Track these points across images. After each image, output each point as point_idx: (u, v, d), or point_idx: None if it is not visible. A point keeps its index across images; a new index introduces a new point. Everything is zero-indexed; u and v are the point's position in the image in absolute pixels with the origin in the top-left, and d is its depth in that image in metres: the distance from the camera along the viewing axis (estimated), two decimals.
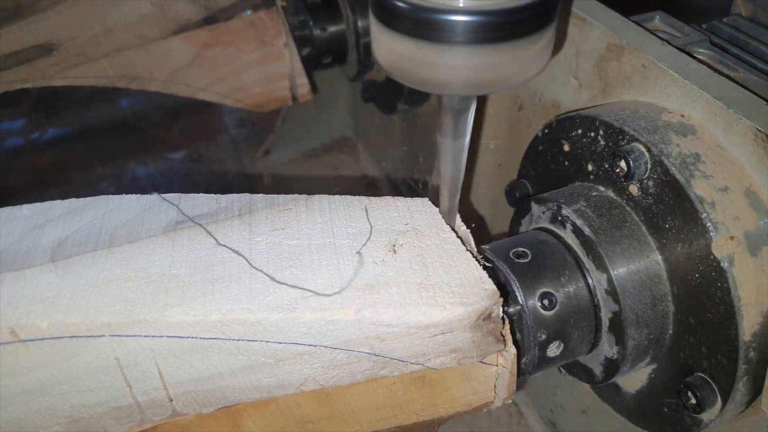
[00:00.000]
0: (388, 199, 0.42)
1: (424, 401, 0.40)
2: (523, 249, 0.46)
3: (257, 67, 0.80)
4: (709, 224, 0.40)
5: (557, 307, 0.44)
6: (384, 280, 0.36)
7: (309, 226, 0.39)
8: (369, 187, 1.17)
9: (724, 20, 0.59)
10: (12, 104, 1.16)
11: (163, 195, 0.40)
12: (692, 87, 0.45)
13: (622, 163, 0.44)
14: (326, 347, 0.35)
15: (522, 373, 0.44)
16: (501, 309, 0.37)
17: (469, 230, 0.42)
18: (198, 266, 0.36)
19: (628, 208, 0.46)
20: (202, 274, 0.36)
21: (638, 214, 0.45)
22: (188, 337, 0.34)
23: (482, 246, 0.46)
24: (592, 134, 0.48)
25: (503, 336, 0.38)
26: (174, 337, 0.34)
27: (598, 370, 0.48)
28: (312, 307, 0.34)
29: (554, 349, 0.45)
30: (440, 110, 0.37)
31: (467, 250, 0.39)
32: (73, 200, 0.40)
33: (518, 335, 0.43)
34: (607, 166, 0.47)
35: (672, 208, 0.43)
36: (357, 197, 0.42)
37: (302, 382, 0.36)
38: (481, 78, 0.33)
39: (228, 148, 1.23)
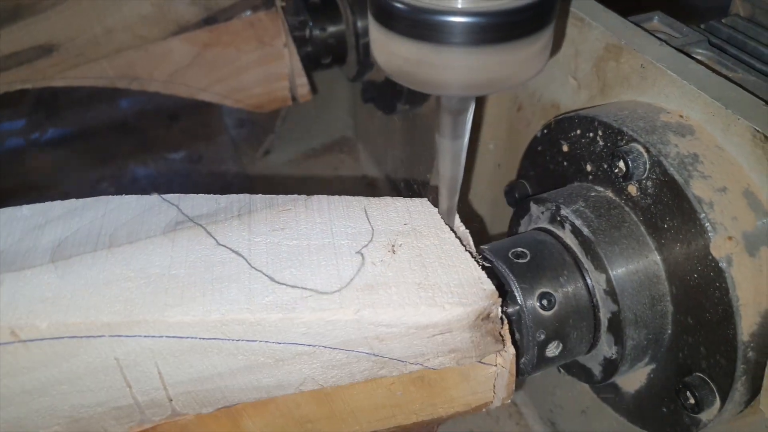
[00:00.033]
0: (388, 199, 0.42)
1: (423, 401, 0.40)
2: (522, 249, 0.46)
3: (257, 67, 0.80)
4: (707, 224, 0.41)
5: (556, 307, 0.44)
6: (383, 280, 0.36)
7: (308, 227, 0.39)
8: (369, 187, 1.17)
9: (723, 21, 0.59)
10: (12, 105, 1.16)
11: (163, 195, 0.41)
12: (690, 87, 0.45)
13: (621, 164, 0.45)
14: (325, 347, 0.35)
15: (521, 373, 0.44)
16: (500, 309, 0.37)
17: (468, 230, 0.42)
18: (197, 266, 0.36)
19: (626, 209, 0.46)
20: (202, 275, 0.36)
21: (637, 215, 0.46)
22: (188, 338, 0.34)
23: (481, 246, 0.46)
24: (591, 135, 0.48)
25: (502, 336, 0.38)
26: (173, 337, 0.34)
27: (597, 370, 0.48)
28: (311, 308, 0.34)
29: (553, 349, 0.45)
30: (439, 111, 0.37)
31: (466, 250, 0.39)
32: (73, 201, 0.40)
33: (517, 335, 0.43)
34: (605, 166, 0.47)
35: (670, 209, 0.43)
36: (356, 198, 0.42)
37: (301, 382, 0.37)
38: (479, 79, 0.33)
39: (228, 148, 1.23)
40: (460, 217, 0.43)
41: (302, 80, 0.83)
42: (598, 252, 0.44)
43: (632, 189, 0.45)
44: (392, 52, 0.33)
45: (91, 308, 0.33)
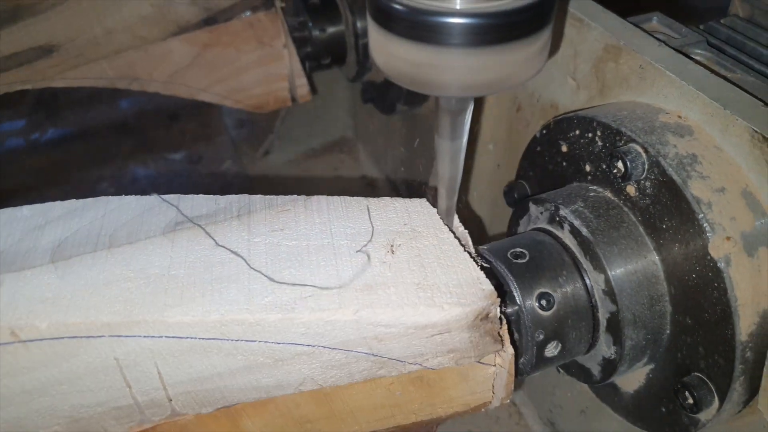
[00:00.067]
0: (387, 199, 0.42)
1: (422, 401, 0.40)
2: (521, 249, 0.46)
3: (257, 68, 0.81)
4: (705, 225, 0.41)
5: (555, 308, 0.44)
6: (382, 280, 0.36)
7: (307, 227, 0.39)
8: (368, 188, 1.18)
9: (722, 21, 0.59)
10: (12, 105, 1.17)
11: (163, 196, 0.41)
12: (689, 88, 0.45)
13: (620, 164, 0.45)
14: (324, 347, 0.35)
15: (520, 373, 0.44)
16: (498, 309, 0.37)
17: (467, 231, 0.42)
18: (197, 267, 0.36)
19: (625, 209, 0.46)
20: (201, 275, 0.36)
21: (636, 215, 0.46)
22: (187, 338, 0.34)
23: (480, 246, 0.46)
24: (590, 135, 0.48)
25: (501, 336, 0.38)
26: (173, 337, 0.34)
27: (596, 370, 0.48)
28: (310, 308, 0.34)
29: (552, 349, 0.45)
30: (437, 111, 0.37)
31: (465, 250, 0.39)
32: (72, 201, 0.40)
33: (516, 335, 0.43)
34: (604, 166, 0.47)
35: (669, 209, 0.43)
36: (355, 198, 0.42)
37: (301, 382, 0.37)
38: (477, 80, 0.33)
39: (228, 148, 1.23)
40: (460, 218, 0.43)
41: (302, 81, 0.83)
42: (597, 252, 0.44)
43: (631, 189, 0.45)
44: (391, 54, 0.33)
45: (91, 308, 0.33)
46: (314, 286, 0.36)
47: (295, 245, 0.38)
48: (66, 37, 0.71)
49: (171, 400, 0.36)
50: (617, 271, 0.44)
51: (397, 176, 1.10)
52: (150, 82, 0.76)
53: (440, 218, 0.41)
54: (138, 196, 0.41)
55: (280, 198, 0.42)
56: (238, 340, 0.34)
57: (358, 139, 1.23)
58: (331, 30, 0.86)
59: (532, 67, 0.34)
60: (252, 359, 0.35)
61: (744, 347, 0.40)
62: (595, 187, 0.49)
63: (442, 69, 0.32)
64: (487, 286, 0.36)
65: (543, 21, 0.33)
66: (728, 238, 0.40)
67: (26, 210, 0.39)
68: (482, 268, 0.38)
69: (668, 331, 0.45)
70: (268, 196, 0.42)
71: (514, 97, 0.66)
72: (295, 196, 0.42)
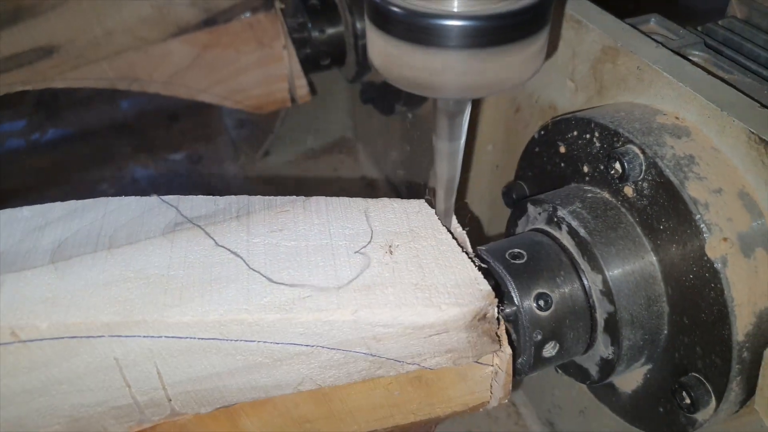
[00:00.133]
0: (385, 200, 0.42)
1: (420, 401, 0.40)
2: (519, 250, 0.46)
3: (256, 68, 0.81)
4: (702, 225, 0.41)
5: (553, 308, 0.44)
6: (380, 280, 0.37)
7: (306, 228, 0.40)
8: (368, 188, 1.18)
9: (719, 23, 0.59)
10: (12, 106, 1.17)
11: (162, 197, 0.41)
12: (686, 89, 0.46)
13: (617, 165, 0.45)
14: (323, 347, 0.35)
15: (518, 374, 0.45)
16: (496, 309, 0.37)
17: (465, 231, 0.42)
18: (196, 267, 0.36)
19: (623, 210, 0.46)
20: (201, 275, 0.36)
21: (633, 216, 0.46)
22: (186, 338, 0.34)
23: (479, 247, 0.47)
24: (588, 136, 0.48)
25: (498, 336, 0.38)
26: (172, 337, 0.34)
27: (593, 371, 0.48)
28: (309, 308, 0.35)
29: (550, 350, 0.45)
30: (436, 113, 0.37)
31: (463, 251, 0.39)
32: (72, 202, 0.40)
33: (514, 336, 0.44)
34: (602, 167, 0.47)
35: (666, 210, 0.43)
36: (354, 199, 0.42)
37: (299, 382, 0.37)
38: (474, 82, 0.33)
39: (227, 149, 1.23)
40: (458, 218, 0.43)
41: (301, 81, 0.83)
42: (595, 253, 0.45)
43: (628, 190, 0.46)
44: (388, 55, 0.34)
45: (90, 308, 0.34)
46: (313, 287, 0.36)
47: (293, 246, 0.38)
48: (66, 38, 0.72)
49: (170, 399, 0.36)
50: (615, 272, 0.44)
51: (396, 177, 1.11)
52: (150, 82, 0.76)
53: (438, 219, 0.41)
54: (138, 197, 0.41)
55: (279, 199, 0.42)
56: (237, 340, 0.34)
57: (358, 140, 1.23)
58: (330, 31, 0.86)
59: (530, 69, 0.35)
60: (251, 359, 0.35)
61: (741, 347, 0.40)
62: (592, 188, 0.49)
63: (440, 71, 0.32)
64: (485, 286, 0.37)
65: (540, 23, 0.33)
66: (725, 239, 0.41)
67: (26, 211, 0.39)
68: (480, 268, 0.38)
69: (666, 332, 0.45)
70: (267, 197, 0.42)
71: (513, 98, 0.67)
72: (294, 196, 0.42)
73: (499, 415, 0.84)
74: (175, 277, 0.36)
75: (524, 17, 0.32)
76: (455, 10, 0.32)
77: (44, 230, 0.38)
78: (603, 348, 0.46)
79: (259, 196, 0.42)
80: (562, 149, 0.51)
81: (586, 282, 0.45)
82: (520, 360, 0.44)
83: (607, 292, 0.44)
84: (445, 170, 0.40)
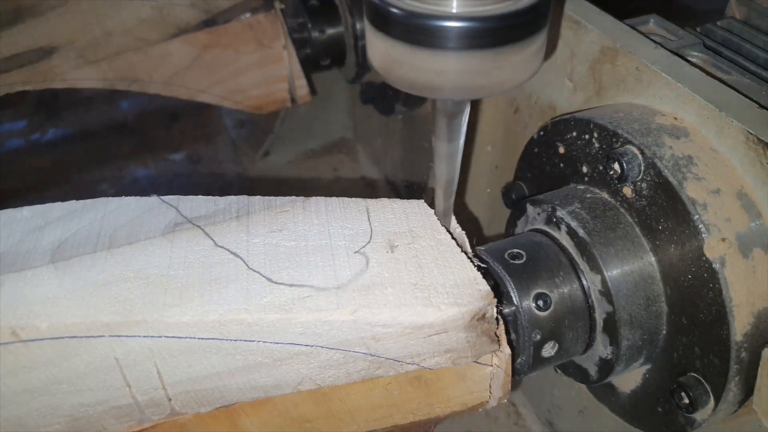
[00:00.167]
0: (385, 201, 0.42)
1: (420, 401, 0.40)
2: (518, 250, 0.46)
3: (256, 69, 0.81)
4: (701, 226, 0.41)
5: (552, 308, 0.44)
6: (379, 280, 0.37)
7: (306, 228, 0.40)
8: (368, 188, 1.18)
9: (718, 23, 0.59)
10: (12, 106, 1.17)
11: (162, 197, 0.41)
12: (685, 90, 0.46)
13: (616, 166, 0.45)
14: (322, 347, 0.36)
15: (517, 373, 0.45)
16: (495, 309, 0.37)
17: (464, 232, 0.42)
18: (196, 267, 0.36)
19: (622, 210, 0.47)
20: (200, 275, 0.36)
21: (632, 216, 0.46)
22: (186, 338, 0.34)
23: (478, 247, 0.47)
24: (587, 137, 0.49)
25: (497, 336, 0.38)
26: (172, 337, 0.34)
27: (592, 371, 0.48)
28: (308, 308, 0.35)
29: (549, 350, 0.45)
30: (434, 113, 0.37)
31: (462, 251, 0.39)
32: (72, 202, 0.40)
33: (513, 336, 0.44)
34: (601, 168, 0.48)
35: (665, 210, 0.43)
36: (353, 199, 0.42)
37: (299, 382, 0.37)
38: (473, 83, 0.33)
39: (227, 149, 1.24)
40: (457, 219, 0.43)
41: (301, 82, 0.83)
42: (594, 253, 0.45)
43: (627, 191, 0.46)
44: (387, 56, 0.34)
45: (90, 308, 0.34)
46: (312, 287, 0.36)
47: (293, 246, 0.38)
48: (66, 38, 0.72)
49: (170, 399, 0.36)
50: (614, 272, 0.44)
51: (396, 177, 1.11)
52: (150, 83, 0.77)
53: (438, 219, 0.41)
54: (138, 197, 0.41)
55: (279, 199, 0.42)
56: (236, 340, 0.35)
57: (358, 140, 1.23)
58: (330, 31, 0.86)
59: (528, 70, 0.35)
60: (250, 359, 0.35)
61: (739, 347, 0.40)
62: (592, 189, 0.49)
63: (438, 72, 0.32)
64: (484, 286, 0.37)
65: (539, 24, 0.34)
66: (723, 240, 0.41)
67: (26, 211, 0.39)
68: (479, 268, 0.38)
69: (664, 332, 0.45)
70: (266, 197, 0.42)
71: (512, 98, 0.67)
72: (293, 197, 0.42)
73: (498, 415, 0.84)
74: (175, 277, 0.36)
75: (523, 18, 0.32)
76: (454, 11, 0.32)
77: (44, 230, 0.38)
78: (602, 348, 0.46)
79: (258, 197, 0.42)
80: (561, 150, 0.51)
81: (585, 282, 0.45)
82: (519, 360, 0.44)
83: (606, 292, 0.44)
84: (444, 171, 0.40)
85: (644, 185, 0.44)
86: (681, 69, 0.48)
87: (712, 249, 0.41)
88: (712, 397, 0.42)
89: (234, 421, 0.38)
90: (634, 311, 0.44)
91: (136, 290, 0.35)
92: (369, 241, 0.39)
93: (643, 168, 0.44)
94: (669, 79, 0.47)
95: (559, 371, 0.53)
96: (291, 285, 0.36)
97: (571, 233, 0.46)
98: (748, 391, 0.42)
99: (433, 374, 0.39)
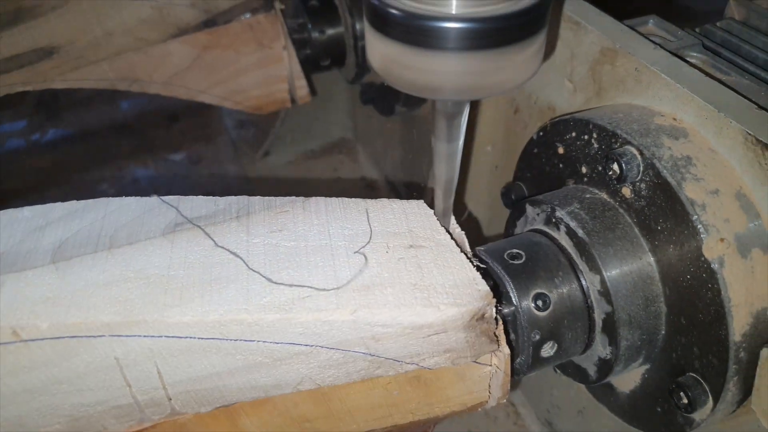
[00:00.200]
0: (384, 201, 0.43)
1: (419, 400, 0.40)
2: (517, 250, 0.46)
3: (256, 69, 0.81)
4: (699, 226, 0.41)
5: (551, 308, 0.44)
6: (379, 281, 0.37)
7: (306, 228, 0.40)
8: (368, 189, 1.18)
9: (718, 24, 0.59)
10: (13, 106, 1.17)
11: (163, 197, 0.41)
12: (684, 91, 0.46)
13: (615, 166, 0.45)
14: (322, 347, 0.36)
15: (516, 373, 0.45)
16: (494, 309, 0.37)
17: (463, 232, 0.43)
18: (196, 267, 0.37)
19: (621, 210, 0.47)
20: (200, 275, 0.36)
21: (631, 216, 0.46)
22: (186, 338, 0.34)
23: (477, 247, 0.47)
24: (586, 137, 0.49)
25: (497, 336, 0.38)
26: (172, 337, 0.34)
27: (592, 371, 0.49)
28: (308, 308, 0.35)
29: (548, 350, 0.45)
30: (434, 114, 0.37)
31: (461, 251, 0.39)
32: (73, 202, 0.40)
33: (512, 335, 0.44)
34: (600, 168, 0.48)
35: (664, 211, 0.43)
36: (353, 199, 0.42)
37: (299, 382, 0.37)
38: (472, 83, 0.33)
39: (227, 149, 1.24)
40: (457, 219, 0.43)
41: (301, 82, 0.83)
42: (593, 253, 0.45)
43: (626, 191, 0.46)
44: (387, 56, 0.34)
45: (91, 308, 0.34)
46: (312, 287, 0.36)
47: (293, 246, 0.39)
48: (66, 39, 0.72)
49: (170, 399, 0.36)
50: (613, 272, 0.45)
51: (396, 177, 1.11)
52: (150, 83, 0.77)
53: (437, 219, 0.41)
54: (138, 198, 0.41)
55: (279, 199, 0.42)
56: (236, 340, 0.35)
57: (358, 141, 1.24)
58: (330, 32, 0.86)
59: (528, 71, 0.35)
60: (250, 359, 0.35)
61: (738, 347, 0.41)
62: (591, 189, 0.49)
63: (437, 72, 0.33)
64: (483, 286, 0.37)
65: (538, 25, 0.34)
66: (722, 240, 0.41)
67: (27, 211, 0.39)
68: (478, 268, 0.38)
69: (663, 332, 0.45)
70: (266, 198, 0.42)
71: (512, 99, 0.67)
72: (293, 197, 0.42)
73: (497, 414, 0.84)
74: (175, 278, 0.36)
75: (522, 19, 0.32)
76: (453, 12, 0.32)
77: (45, 230, 0.38)
78: (601, 348, 0.46)
79: (258, 197, 0.42)
80: (561, 150, 0.51)
81: (584, 282, 0.46)
82: (518, 360, 0.44)
83: (605, 293, 0.44)
84: (444, 171, 0.40)
85: (643, 186, 0.44)
86: (680, 70, 0.48)
87: (711, 249, 0.41)
88: (710, 397, 0.42)
89: (234, 420, 0.39)
90: (633, 311, 0.45)
91: (137, 290, 0.35)
92: (369, 242, 0.39)
93: (642, 168, 0.44)
94: (668, 79, 0.47)
95: (558, 371, 0.53)
96: (291, 285, 0.36)
97: (571, 233, 0.46)
98: (746, 391, 0.42)
99: (433, 374, 0.39)
